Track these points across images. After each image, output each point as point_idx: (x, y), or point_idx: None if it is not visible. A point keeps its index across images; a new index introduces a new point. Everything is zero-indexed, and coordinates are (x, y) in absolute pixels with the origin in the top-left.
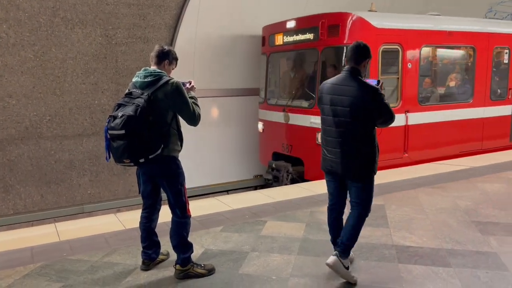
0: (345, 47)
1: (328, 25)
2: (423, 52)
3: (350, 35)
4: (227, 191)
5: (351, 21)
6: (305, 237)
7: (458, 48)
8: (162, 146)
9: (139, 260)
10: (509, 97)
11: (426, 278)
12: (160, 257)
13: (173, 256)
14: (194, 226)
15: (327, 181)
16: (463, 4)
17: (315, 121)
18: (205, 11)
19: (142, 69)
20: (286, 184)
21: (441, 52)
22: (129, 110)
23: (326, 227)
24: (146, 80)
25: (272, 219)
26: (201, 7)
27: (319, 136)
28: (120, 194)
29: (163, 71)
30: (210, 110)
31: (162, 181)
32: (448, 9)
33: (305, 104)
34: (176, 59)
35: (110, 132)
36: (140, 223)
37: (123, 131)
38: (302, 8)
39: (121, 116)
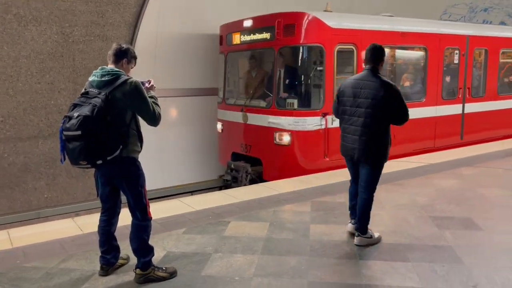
0: (301, 47)
1: (284, 24)
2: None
3: (306, 34)
4: (191, 193)
5: (307, 21)
6: (269, 237)
7: (411, 48)
8: (121, 147)
9: (97, 266)
10: (460, 96)
11: (385, 273)
12: (120, 261)
13: (133, 260)
14: (156, 228)
15: (349, 166)
16: (419, 7)
17: (273, 121)
18: (166, 9)
19: (99, 68)
20: (245, 185)
21: (395, 52)
22: (85, 110)
23: (290, 226)
24: (103, 79)
25: (235, 219)
26: (162, 5)
27: (277, 136)
28: (79, 197)
29: (121, 70)
30: (171, 110)
31: (121, 183)
32: (405, 11)
33: (263, 104)
34: (134, 57)
35: (65, 133)
36: (99, 227)
37: (79, 132)
38: (262, 6)
39: (77, 117)
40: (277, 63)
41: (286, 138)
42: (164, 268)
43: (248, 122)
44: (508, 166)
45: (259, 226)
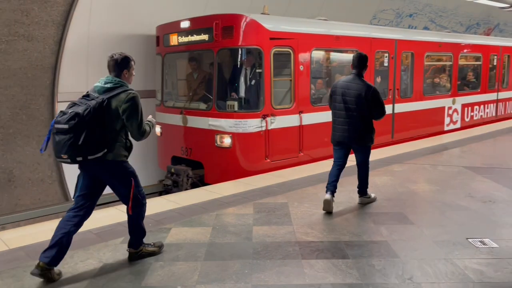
0: (240, 49)
1: (222, 26)
2: (314, 55)
3: (245, 37)
4: None
5: (245, 23)
6: (212, 242)
7: (345, 51)
8: (105, 150)
9: (25, 284)
10: (390, 97)
11: (327, 271)
12: (55, 271)
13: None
14: (92, 239)
15: (335, 150)
16: (351, 11)
17: (214, 123)
18: (98, 8)
19: (106, 76)
20: (186, 189)
21: (330, 55)
22: (78, 109)
23: (233, 229)
24: (105, 86)
25: (177, 225)
26: (94, 4)
27: (218, 138)
28: (4, 209)
29: (123, 81)
30: None
31: (108, 181)
32: (339, 15)
33: (203, 106)
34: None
35: (56, 125)
36: (61, 221)
37: (66, 126)
38: (202, 7)
39: (70, 113)
40: (216, 65)
41: (227, 141)
42: (152, 244)
43: (188, 125)
44: (434, 162)
45: (201, 231)
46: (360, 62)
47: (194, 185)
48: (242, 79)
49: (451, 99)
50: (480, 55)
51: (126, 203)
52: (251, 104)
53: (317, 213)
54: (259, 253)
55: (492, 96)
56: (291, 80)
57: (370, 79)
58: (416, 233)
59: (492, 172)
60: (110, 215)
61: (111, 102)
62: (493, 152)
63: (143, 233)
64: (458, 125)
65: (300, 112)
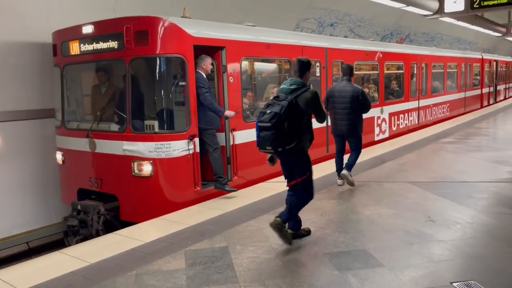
0: (158, 58)
1: (135, 31)
2: (244, 65)
3: (163, 44)
4: (28, 244)
5: (162, 28)
6: None
7: (276, 61)
8: (296, 141)
9: None
10: (325, 109)
11: None
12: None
13: None
14: None
15: (337, 140)
16: (275, 18)
17: (129, 148)
18: None
19: (289, 79)
20: (98, 230)
21: (261, 65)
22: (275, 109)
23: None
24: (290, 87)
25: None
26: None
27: (135, 166)
28: None
29: (304, 81)
30: None
31: (294, 166)
32: (263, 24)
33: (115, 127)
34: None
35: (259, 124)
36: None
37: (269, 124)
38: (110, 9)
39: (269, 113)
40: (130, 77)
41: (147, 168)
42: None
43: (96, 151)
44: (377, 178)
45: None
46: (350, 71)
47: (107, 225)
48: (162, 93)
49: (379, 108)
50: (402, 63)
51: (299, 187)
52: (175, 123)
53: (266, 260)
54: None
55: (414, 104)
56: (219, 93)
57: None
58: (391, 280)
59: (440, 188)
60: None
61: (298, 100)
62: (431, 164)
63: (299, 221)
64: (386, 135)
65: (232, 130)
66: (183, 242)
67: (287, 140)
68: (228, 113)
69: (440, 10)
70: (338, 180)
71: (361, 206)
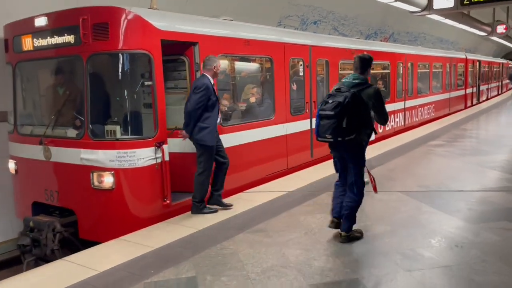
0: (120, 55)
1: (92, 23)
2: (221, 62)
3: (126, 38)
4: None
5: (125, 20)
6: None
7: (256, 59)
8: (356, 133)
9: None
10: (307, 111)
11: None
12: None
13: None
14: None
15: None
16: (257, 17)
17: (87, 156)
18: None
19: (352, 74)
20: (53, 250)
21: (239, 63)
22: (339, 99)
23: None
24: (353, 81)
25: None
26: None
27: (95, 177)
28: None
29: (366, 78)
30: None
31: (349, 159)
32: (242, 19)
33: (71, 133)
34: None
35: (321, 112)
36: (334, 192)
37: (332, 112)
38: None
39: (332, 102)
40: (87, 76)
41: (108, 180)
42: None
43: (52, 159)
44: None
45: None
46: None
47: (64, 243)
48: (125, 94)
49: None
50: (388, 63)
51: (351, 186)
52: (141, 128)
53: None
54: None
55: (400, 105)
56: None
57: (285, 91)
58: None
59: (435, 199)
60: None
61: (361, 94)
62: (421, 170)
63: (355, 220)
64: (372, 137)
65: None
66: (144, 271)
67: (347, 131)
68: (184, 133)
69: (429, 7)
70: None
71: None
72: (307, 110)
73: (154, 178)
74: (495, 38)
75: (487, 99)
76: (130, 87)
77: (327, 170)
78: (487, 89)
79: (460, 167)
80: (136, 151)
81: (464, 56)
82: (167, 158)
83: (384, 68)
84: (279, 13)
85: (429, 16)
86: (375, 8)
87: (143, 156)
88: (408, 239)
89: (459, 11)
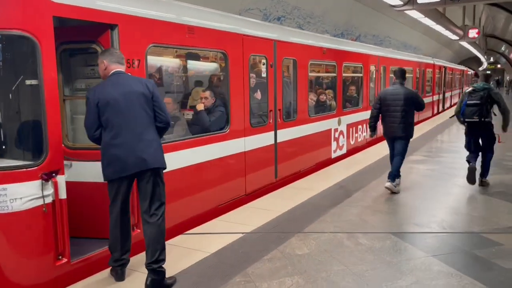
0: None
1: None
2: (152, 56)
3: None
4: None
5: None
6: None
7: (205, 53)
8: (490, 118)
9: None
10: (271, 121)
11: None
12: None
13: None
14: None
15: (388, 142)
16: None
17: None
18: None
19: (481, 83)
20: None
21: (180, 59)
22: (480, 94)
23: None
24: (484, 86)
25: None
26: None
27: None
28: None
29: (491, 86)
30: None
31: (484, 136)
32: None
33: None
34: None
35: (469, 102)
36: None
37: (479, 101)
38: None
39: (475, 96)
40: None
41: None
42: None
43: None
44: (347, 224)
45: None
46: (402, 74)
47: None
48: None
49: (336, 119)
50: (361, 65)
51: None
52: (16, 152)
53: None
54: None
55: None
56: None
57: (244, 97)
58: None
59: (442, 246)
60: None
61: (491, 94)
62: (410, 199)
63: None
64: (344, 151)
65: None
66: None
67: (486, 114)
68: None
69: (412, 1)
70: (388, 182)
71: (332, 285)
72: (271, 120)
73: (41, 226)
74: (464, 43)
75: (450, 106)
76: (2, 85)
77: (296, 195)
78: (450, 96)
79: (457, 194)
80: (8, 187)
81: (432, 62)
82: (63, 195)
83: (357, 72)
84: (238, 4)
85: (407, 12)
86: (342, 6)
87: (21, 195)
88: None
89: (447, 5)
